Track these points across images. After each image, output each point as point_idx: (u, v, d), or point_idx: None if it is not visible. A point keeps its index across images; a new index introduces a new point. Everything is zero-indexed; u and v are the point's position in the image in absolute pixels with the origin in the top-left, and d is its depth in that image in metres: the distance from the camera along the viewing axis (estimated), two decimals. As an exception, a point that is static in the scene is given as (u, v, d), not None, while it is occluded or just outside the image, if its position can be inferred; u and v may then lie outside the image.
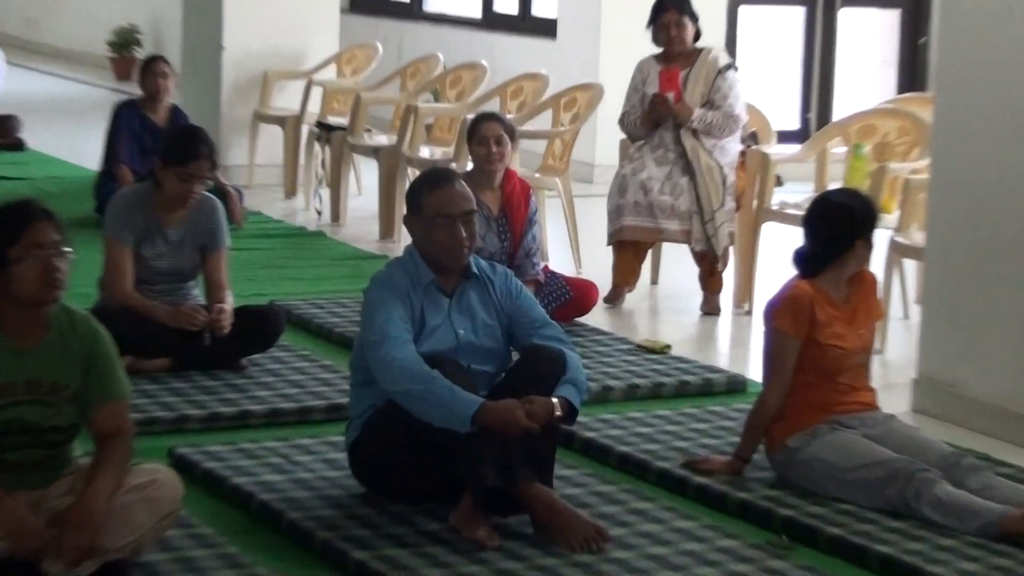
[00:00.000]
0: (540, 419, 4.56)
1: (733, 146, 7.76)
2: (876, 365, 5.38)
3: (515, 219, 6.92)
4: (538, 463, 4.61)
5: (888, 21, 12.46)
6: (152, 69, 9.20)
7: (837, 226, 5.09)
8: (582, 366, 4.84)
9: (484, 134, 6.83)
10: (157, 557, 4.23)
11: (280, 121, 10.62)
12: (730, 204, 7.67)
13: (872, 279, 5.29)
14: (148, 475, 4.17)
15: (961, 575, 4.37)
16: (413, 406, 4.58)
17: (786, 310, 5.06)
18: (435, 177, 4.94)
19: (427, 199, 4.82)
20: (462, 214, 4.79)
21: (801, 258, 5.16)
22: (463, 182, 4.89)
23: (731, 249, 7.78)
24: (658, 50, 7.83)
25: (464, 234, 4.78)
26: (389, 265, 4.94)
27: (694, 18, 7.75)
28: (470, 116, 8.00)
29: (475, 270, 4.90)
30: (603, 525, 4.57)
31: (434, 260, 4.82)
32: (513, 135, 6.94)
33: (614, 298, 7.80)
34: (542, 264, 7.22)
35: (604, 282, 7.75)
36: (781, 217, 7.72)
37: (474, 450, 4.51)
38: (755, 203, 7.76)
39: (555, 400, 4.63)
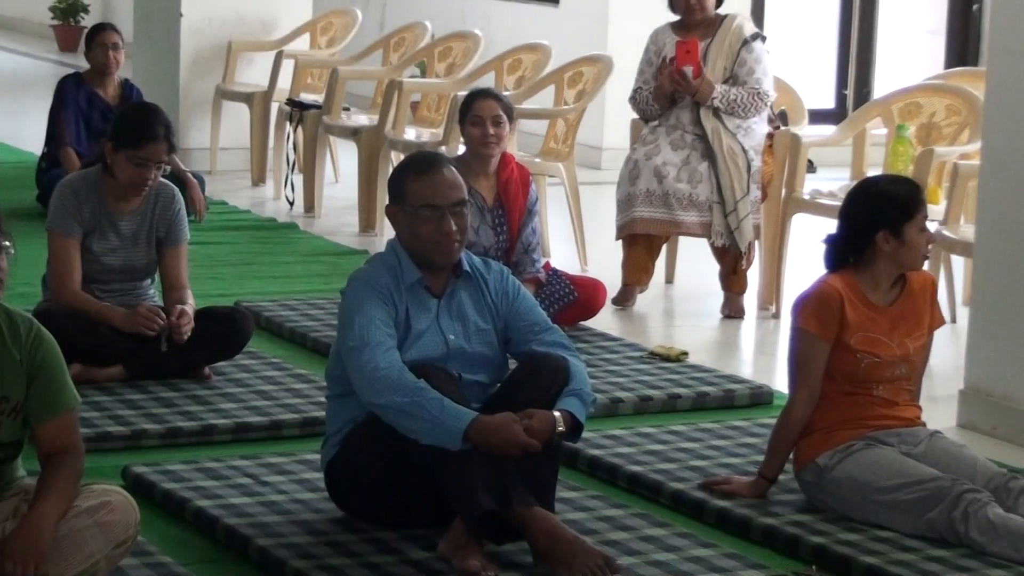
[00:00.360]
0: (541, 436, 4.59)
1: (759, 127, 7.80)
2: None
3: (512, 210, 6.96)
4: (538, 484, 4.64)
5: (936, -15, 12.54)
6: (100, 39, 9.23)
7: (858, 213, 5.12)
8: (588, 376, 4.87)
9: (480, 113, 6.86)
10: (111, 589, 4.28)
11: (246, 98, 10.66)
12: (755, 193, 7.71)
13: (927, 282, 5.28)
14: (100, 497, 4.19)
15: (1012, 610, 4.45)
16: (398, 421, 4.60)
17: (812, 308, 5.08)
18: (421, 162, 4.94)
19: (411, 187, 4.83)
20: (451, 205, 4.80)
21: (826, 248, 5.21)
22: (453, 168, 4.89)
23: (756, 244, 7.82)
24: (675, 18, 7.87)
25: (454, 227, 4.79)
26: (370, 262, 4.98)
27: (716, -18, 7.81)
28: (462, 93, 8.05)
29: (467, 268, 4.92)
30: (611, 554, 4.59)
31: (420, 256, 4.83)
32: (511, 115, 6.99)
33: (624, 299, 7.85)
34: (543, 261, 7.26)
35: (613, 281, 7.80)
36: (813, 208, 7.76)
37: (466, 470, 4.53)
38: (784, 192, 7.80)
39: (557, 414, 4.65)
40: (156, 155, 6.18)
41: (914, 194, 5.13)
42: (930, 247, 5.16)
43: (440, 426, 4.53)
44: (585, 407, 4.75)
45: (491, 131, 6.83)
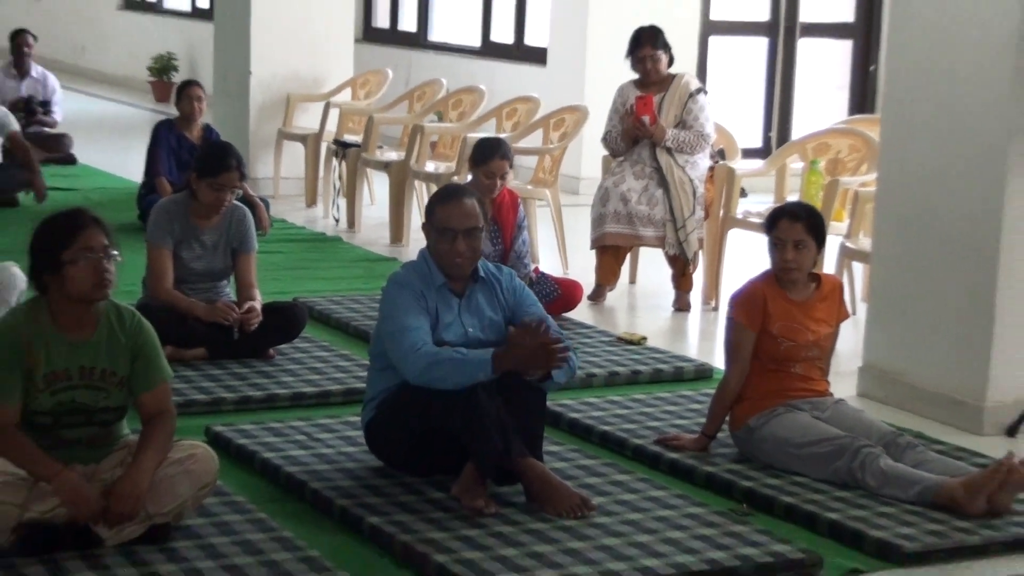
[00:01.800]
0: (538, 329, 4.57)
1: (703, 161, 7.80)
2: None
3: (505, 225, 6.97)
4: (530, 438, 4.64)
5: (842, 50, 12.50)
6: (188, 92, 9.23)
7: None
8: (572, 354, 4.83)
9: (494, 171, 6.85)
10: (196, 522, 4.29)
11: (302, 139, 10.66)
12: (700, 213, 7.71)
13: (836, 284, 5.26)
14: (188, 450, 4.24)
15: (899, 538, 4.43)
16: (434, 379, 4.59)
17: (741, 304, 5.11)
18: (448, 192, 4.92)
19: (437, 211, 4.82)
20: (464, 229, 4.78)
21: None
22: (474, 200, 4.84)
23: (700, 253, 7.82)
24: (637, 76, 7.88)
25: (463, 247, 4.78)
26: (404, 267, 4.95)
27: (667, 49, 7.76)
28: (471, 135, 8.04)
29: (483, 274, 4.91)
30: (587, 494, 4.61)
31: (440, 266, 4.85)
32: (512, 162, 7.02)
33: (597, 296, 7.85)
34: (533, 266, 7.27)
35: (588, 281, 7.80)
36: (745, 225, 7.76)
37: (478, 424, 4.53)
38: (722, 212, 7.81)
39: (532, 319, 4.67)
40: (230, 182, 6.20)
41: (771, 218, 5.11)
42: (788, 264, 5.02)
43: (470, 366, 4.56)
44: (568, 366, 4.73)
45: (499, 183, 6.88)
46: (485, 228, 6.78)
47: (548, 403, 4.91)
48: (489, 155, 6.91)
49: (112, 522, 4.04)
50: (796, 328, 5.08)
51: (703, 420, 5.32)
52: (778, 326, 5.06)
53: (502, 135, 8.69)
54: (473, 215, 4.80)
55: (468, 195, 4.87)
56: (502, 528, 4.38)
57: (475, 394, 4.56)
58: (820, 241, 5.11)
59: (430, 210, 4.89)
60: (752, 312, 5.07)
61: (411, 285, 4.79)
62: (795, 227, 5.02)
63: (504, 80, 12.07)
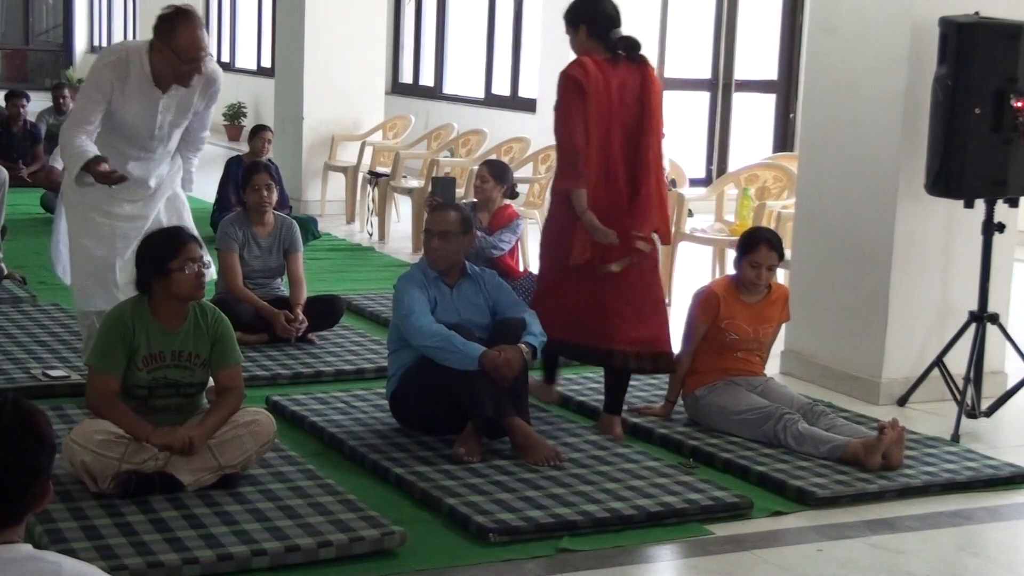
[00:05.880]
0: (516, 359, 4.55)
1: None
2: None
3: (493, 228, 6.91)
4: (518, 401, 4.63)
5: (768, 102, 12.51)
6: (261, 134, 9.20)
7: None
8: (538, 322, 4.80)
9: (479, 172, 6.97)
10: (258, 472, 4.27)
11: (343, 170, 10.66)
12: (657, 229, 7.68)
13: (784, 292, 5.18)
14: (252, 415, 4.21)
15: (813, 486, 4.41)
16: (437, 355, 4.58)
17: (700, 303, 5.05)
18: (436, 206, 4.99)
19: (427, 218, 4.94)
20: (439, 232, 4.81)
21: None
22: (454, 212, 4.85)
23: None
24: (607, 121, 7.84)
25: (436, 244, 4.80)
26: (411, 268, 4.97)
27: (632, 100, 7.76)
28: (475, 168, 8.03)
29: (470, 272, 4.92)
30: (565, 450, 4.58)
31: None
32: (498, 176, 6.95)
33: (575, 293, 7.82)
34: (524, 267, 7.23)
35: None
36: (692, 239, 7.76)
37: (476, 391, 4.53)
38: (673, 229, 7.77)
39: (523, 345, 4.63)
40: (262, 181, 6.32)
41: (749, 242, 5.00)
42: (759, 281, 4.97)
43: (463, 355, 4.53)
44: (536, 339, 4.70)
45: (476, 183, 6.87)
46: (480, 228, 6.83)
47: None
48: (480, 167, 7.04)
49: (171, 449, 4.02)
50: (741, 326, 5.05)
51: (660, 392, 5.30)
52: (726, 323, 5.03)
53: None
54: (447, 222, 4.82)
55: (452, 209, 4.89)
56: (499, 478, 4.36)
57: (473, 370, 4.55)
58: (780, 259, 5.07)
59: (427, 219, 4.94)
60: (706, 310, 5.04)
61: (415, 279, 4.82)
62: (772, 254, 4.99)
63: (502, 124, 12.07)
